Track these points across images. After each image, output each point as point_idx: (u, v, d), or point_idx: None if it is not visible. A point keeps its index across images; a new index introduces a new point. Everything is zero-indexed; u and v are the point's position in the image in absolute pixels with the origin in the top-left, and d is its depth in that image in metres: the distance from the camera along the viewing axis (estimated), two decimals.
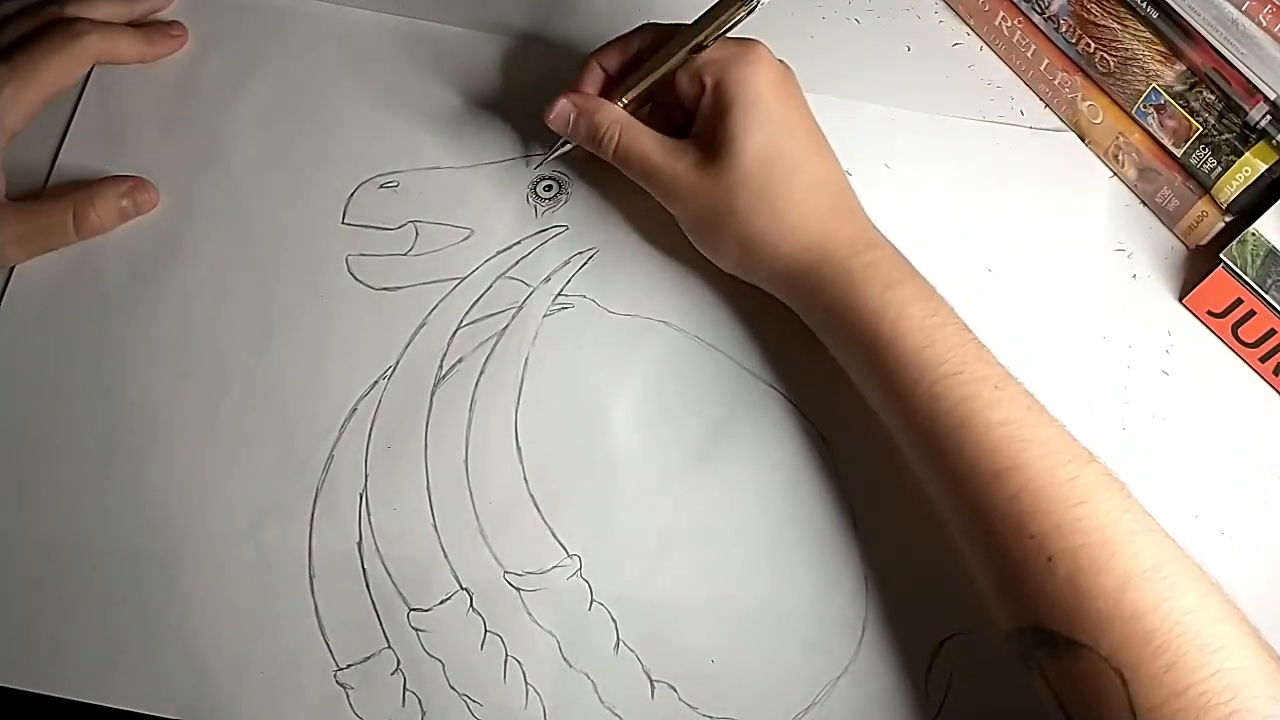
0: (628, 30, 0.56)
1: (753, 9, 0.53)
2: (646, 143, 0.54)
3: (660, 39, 0.55)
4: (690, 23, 0.54)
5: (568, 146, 0.57)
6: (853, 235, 0.52)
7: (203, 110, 0.60)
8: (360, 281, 0.57)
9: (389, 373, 0.55)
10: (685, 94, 0.54)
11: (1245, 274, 0.54)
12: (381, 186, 0.59)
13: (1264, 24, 0.53)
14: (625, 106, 0.55)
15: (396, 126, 0.60)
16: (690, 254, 0.57)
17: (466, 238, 0.58)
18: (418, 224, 0.58)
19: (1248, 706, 0.40)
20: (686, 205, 0.54)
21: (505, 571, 0.52)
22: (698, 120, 0.54)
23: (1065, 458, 0.46)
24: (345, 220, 0.58)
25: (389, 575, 0.51)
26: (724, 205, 0.52)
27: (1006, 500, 0.45)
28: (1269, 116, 0.52)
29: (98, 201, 0.56)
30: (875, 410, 0.51)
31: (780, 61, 0.54)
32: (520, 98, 0.61)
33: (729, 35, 0.54)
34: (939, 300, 0.50)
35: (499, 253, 0.58)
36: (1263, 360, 0.56)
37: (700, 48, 0.53)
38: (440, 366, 0.55)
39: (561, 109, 0.55)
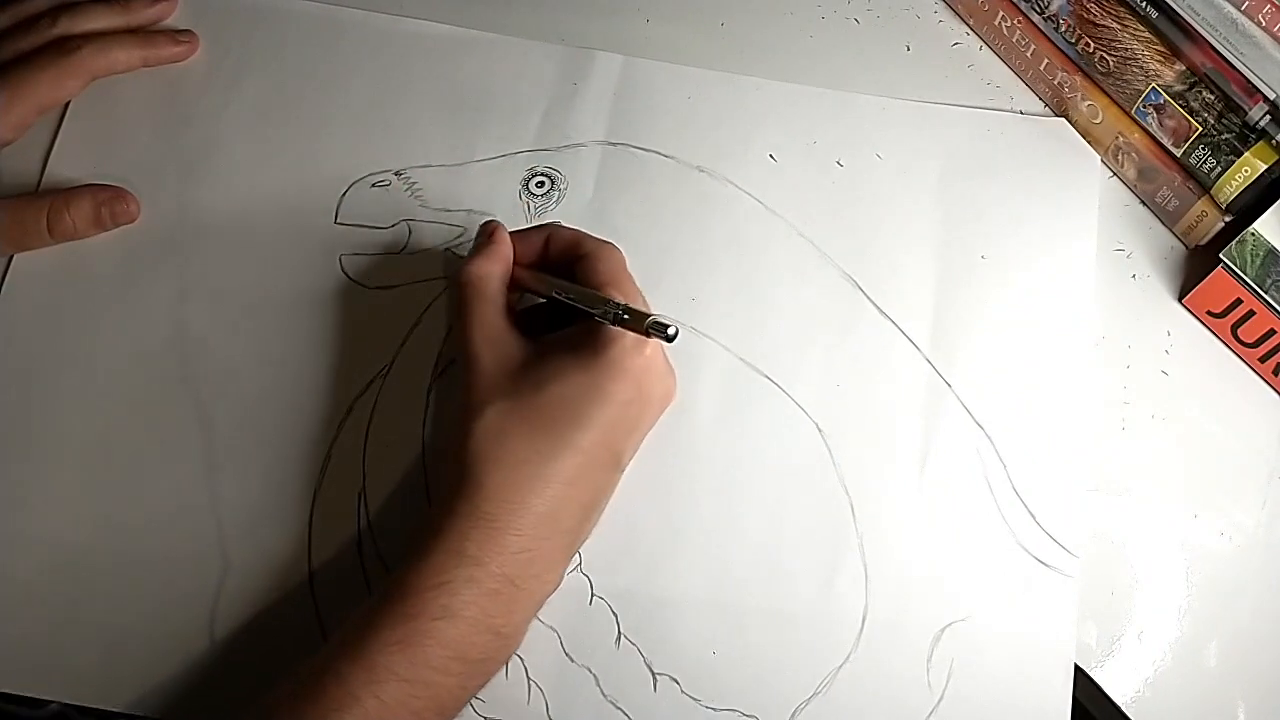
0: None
1: (669, 337, 0.46)
2: (492, 310, 0.50)
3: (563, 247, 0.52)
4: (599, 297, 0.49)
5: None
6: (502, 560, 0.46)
7: (194, 111, 0.60)
8: (354, 280, 0.57)
9: (385, 371, 0.55)
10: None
11: (1245, 274, 0.54)
12: (374, 185, 0.59)
13: (1263, 24, 0.53)
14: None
15: (388, 125, 0.60)
16: (684, 250, 0.57)
17: (460, 235, 0.58)
18: (410, 222, 0.58)
19: None
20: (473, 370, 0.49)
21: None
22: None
23: None
24: (338, 220, 0.58)
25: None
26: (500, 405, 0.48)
27: None
28: (1268, 116, 0.52)
29: (73, 206, 0.56)
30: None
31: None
32: (512, 96, 0.61)
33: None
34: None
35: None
36: (1262, 360, 0.56)
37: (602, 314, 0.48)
38: (436, 364, 0.55)
39: (491, 225, 0.53)
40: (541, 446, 0.46)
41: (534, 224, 0.54)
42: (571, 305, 0.49)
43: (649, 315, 0.46)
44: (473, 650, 0.45)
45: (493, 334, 0.49)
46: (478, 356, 0.49)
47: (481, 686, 0.47)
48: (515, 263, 0.52)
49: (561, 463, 0.46)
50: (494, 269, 0.51)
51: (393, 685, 0.43)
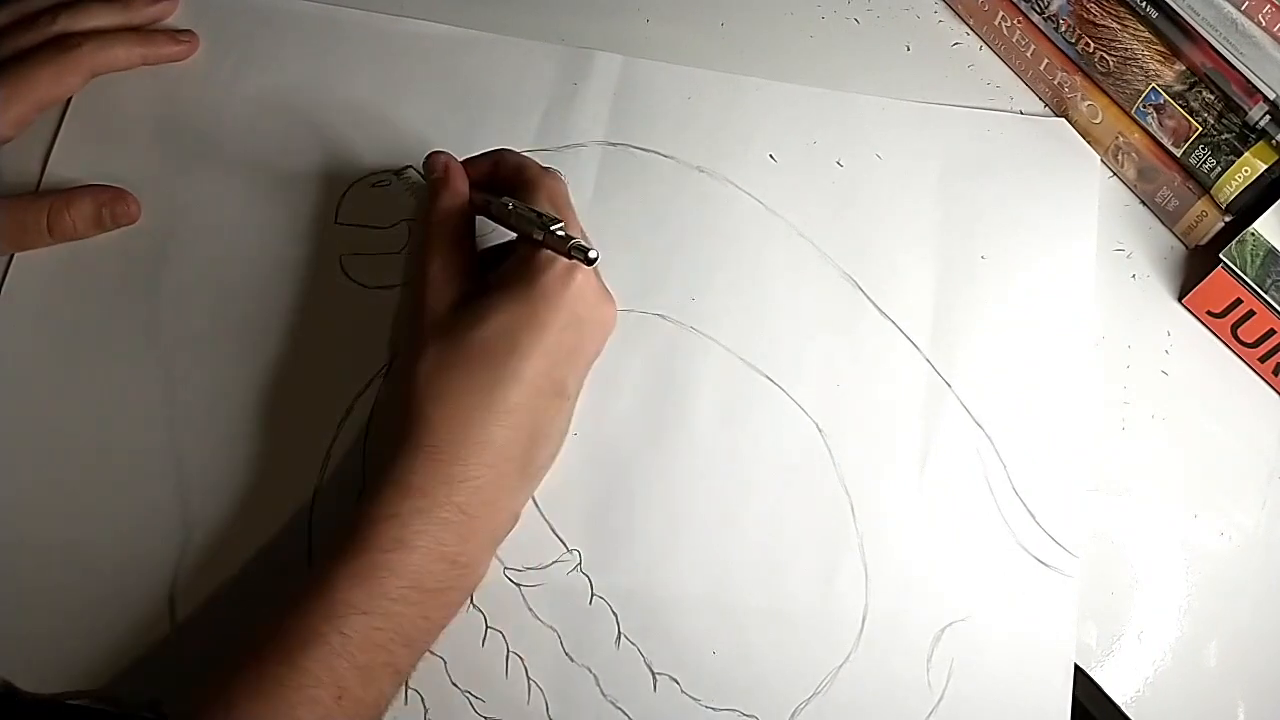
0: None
1: (589, 260, 0.47)
2: (455, 250, 0.52)
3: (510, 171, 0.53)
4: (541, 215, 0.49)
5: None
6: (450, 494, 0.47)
7: (194, 110, 0.60)
8: (354, 280, 0.57)
9: (384, 370, 0.55)
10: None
11: (1245, 274, 0.54)
12: (374, 185, 0.59)
13: (1263, 24, 0.53)
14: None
15: (388, 125, 0.60)
16: (684, 250, 0.57)
17: None
18: (410, 222, 0.58)
19: None
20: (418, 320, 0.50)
21: (505, 567, 0.52)
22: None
23: None
24: (338, 220, 0.58)
25: None
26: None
27: None
28: (1268, 116, 0.52)
29: (74, 206, 0.56)
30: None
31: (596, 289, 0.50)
32: (511, 96, 0.61)
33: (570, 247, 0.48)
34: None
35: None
36: (1262, 360, 0.56)
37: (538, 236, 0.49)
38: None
39: (440, 158, 0.54)
40: (481, 378, 0.47)
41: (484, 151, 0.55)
42: (512, 226, 0.50)
43: (572, 238, 0.47)
44: (429, 579, 0.46)
45: (446, 272, 0.51)
46: (427, 295, 0.50)
47: (448, 618, 0.48)
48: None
49: (502, 392, 0.47)
50: (457, 204, 0.53)
51: (354, 619, 0.44)
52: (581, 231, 0.51)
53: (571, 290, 0.48)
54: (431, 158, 0.54)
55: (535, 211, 0.49)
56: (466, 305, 0.49)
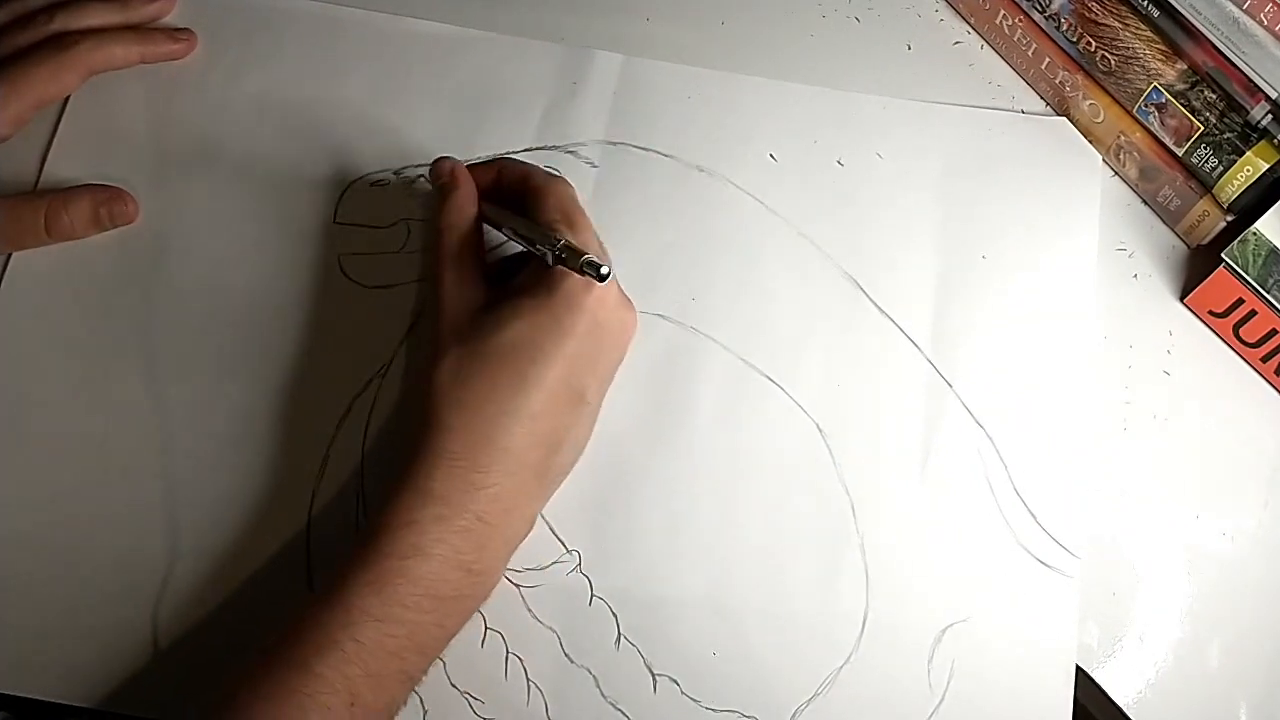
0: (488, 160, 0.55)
1: (602, 276, 0.46)
2: (467, 256, 0.52)
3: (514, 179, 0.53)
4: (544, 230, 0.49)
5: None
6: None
7: (193, 110, 0.60)
8: (353, 280, 0.57)
9: (383, 371, 0.55)
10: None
11: (1246, 274, 0.54)
12: (373, 184, 0.59)
13: (1265, 22, 0.53)
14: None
15: (388, 124, 0.60)
16: (684, 250, 0.56)
17: None
18: (410, 222, 0.58)
19: None
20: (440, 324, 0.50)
21: (504, 568, 0.51)
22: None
23: None
24: (337, 219, 0.58)
25: None
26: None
27: None
28: (1270, 115, 0.52)
29: (71, 205, 0.55)
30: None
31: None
32: (511, 95, 0.61)
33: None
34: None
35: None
36: (1264, 360, 0.56)
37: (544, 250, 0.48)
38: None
39: (447, 164, 0.54)
40: (502, 384, 0.47)
41: (484, 159, 0.55)
42: (521, 242, 0.49)
43: (584, 254, 0.46)
44: (445, 587, 0.46)
45: (463, 279, 0.51)
46: (445, 301, 0.50)
47: (460, 625, 0.48)
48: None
49: (523, 399, 0.47)
50: (469, 211, 0.52)
51: (369, 626, 0.44)
52: (595, 237, 0.51)
53: (592, 297, 0.48)
54: (438, 164, 0.54)
55: (543, 232, 0.48)
56: (486, 311, 0.49)
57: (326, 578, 0.46)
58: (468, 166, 0.54)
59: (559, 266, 0.47)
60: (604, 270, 0.45)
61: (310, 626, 0.44)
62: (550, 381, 0.47)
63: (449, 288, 0.50)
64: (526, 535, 0.49)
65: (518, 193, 0.52)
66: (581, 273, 0.46)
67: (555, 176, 0.52)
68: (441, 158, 0.54)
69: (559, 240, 0.47)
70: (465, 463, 0.46)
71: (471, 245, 0.52)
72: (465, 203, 0.53)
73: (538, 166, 0.53)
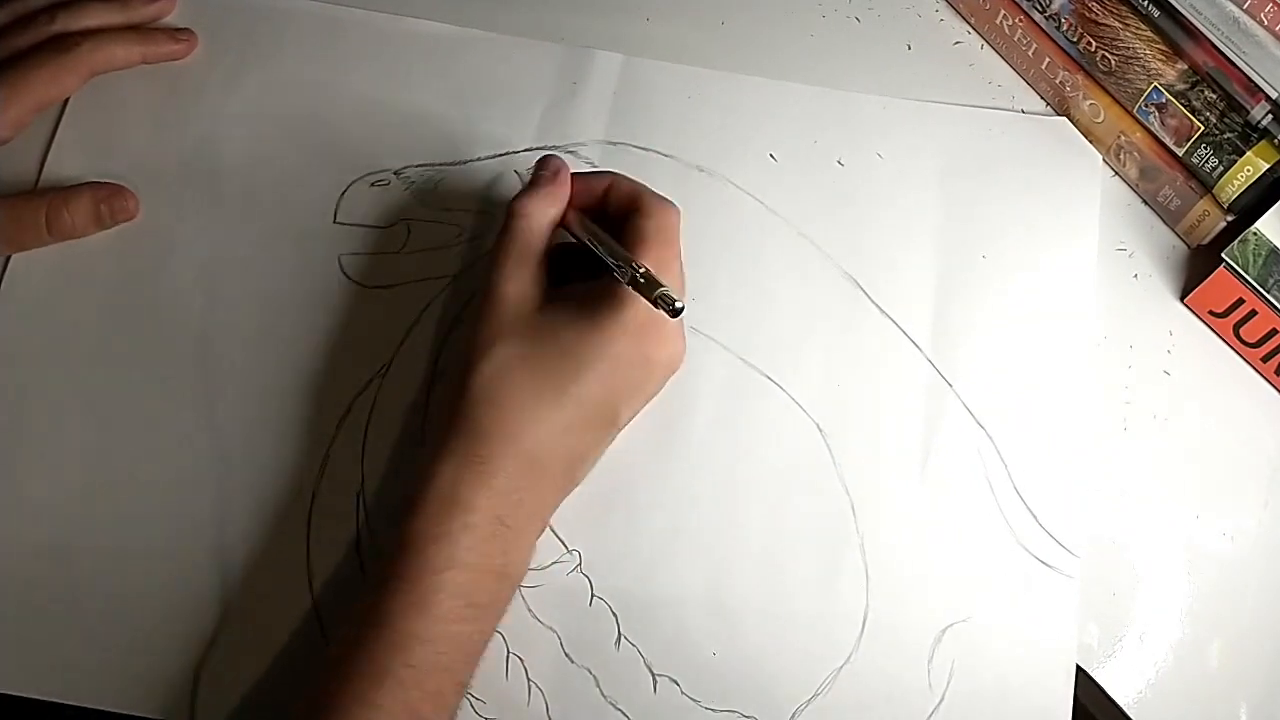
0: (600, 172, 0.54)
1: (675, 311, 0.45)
2: (532, 250, 0.50)
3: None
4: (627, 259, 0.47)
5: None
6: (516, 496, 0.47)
7: (193, 109, 0.60)
8: (353, 280, 0.57)
9: (383, 371, 0.55)
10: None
11: (1247, 274, 0.54)
12: (373, 185, 0.59)
13: (1265, 22, 0.53)
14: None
15: (387, 124, 0.60)
16: (684, 250, 0.56)
17: (459, 235, 0.58)
18: (410, 222, 0.58)
19: None
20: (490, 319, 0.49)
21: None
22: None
23: None
24: (337, 219, 0.58)
25: None
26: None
27: None
28: (1270, 115, 0.52)
29: (72, 204, 0.55)
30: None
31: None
32: (511, 95, 0.61)
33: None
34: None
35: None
36: (1264, 360, 0.56)
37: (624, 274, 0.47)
38: (435, 364, 0.55)
39: (555, 162, 0.52)
40: (542, 392, 0.47)
41: (598, 170, 0.54)
42: (600, 258, 0.48)
43: (660, 286, 0.45)
44: (481, 595, 0.46)
45: (523, 273, 0.50)
46: (501, 293, 0.49)
47: (494, 629, 0.47)
48: (569, 204, 0.52)
49: (559, 412, 0.47)
50: (549, 211, 0.51)
51: (417, 649, 0.44)
52: (681, 271, 0.50)
53: (655, 329, 0.48)
54: (549, 158, 0.52)
55: (626, 254, 0.47)
56: (541, 313, 0.48)
57: (366, 592, 0.45)
58: (578, 174, 0.52)
59: (631, 288, 0.46)
60: (678, 305, 0.45)
61: (361, 658, 0.44)
62: (589, 401, 0.47)
63: (507, 280, 0.49)
64: (539, 537, 0.49)
65: (624, 209, 0.51)
66: (655, 303, 0.45)
67: (665, 200, 0.51)
68: (551, 155, 0.53)
69: (640, 267, 0.46)
70: (491, 467, 0.46)
71: (541, 242, 0.51)
72: (551, 201, 0.51)
73: (648, 188, 0.51)
